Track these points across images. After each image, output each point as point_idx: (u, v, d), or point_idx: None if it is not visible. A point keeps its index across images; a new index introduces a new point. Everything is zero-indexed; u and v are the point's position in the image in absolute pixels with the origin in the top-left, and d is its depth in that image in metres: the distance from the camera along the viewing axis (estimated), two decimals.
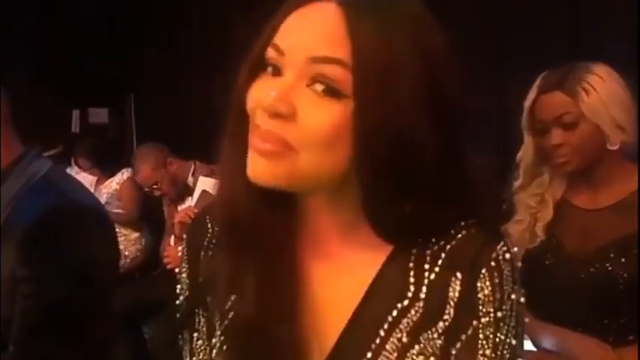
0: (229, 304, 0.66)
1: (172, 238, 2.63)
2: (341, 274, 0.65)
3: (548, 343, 1.35)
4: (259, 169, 0.58)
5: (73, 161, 3.35)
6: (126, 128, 5.00)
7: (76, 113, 4.95)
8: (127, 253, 3.15)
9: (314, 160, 0.58)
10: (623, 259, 1.30)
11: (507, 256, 0.61)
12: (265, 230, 0.63)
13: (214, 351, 0.68)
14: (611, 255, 1.31)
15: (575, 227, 1.39)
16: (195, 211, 2.48)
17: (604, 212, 1.36)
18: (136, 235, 3.18)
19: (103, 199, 3.21)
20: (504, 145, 2.68)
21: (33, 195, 1.14)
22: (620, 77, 1.34)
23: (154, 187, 2.72)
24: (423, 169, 0.58)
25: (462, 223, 0.63)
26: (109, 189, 3.16)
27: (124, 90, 4.91)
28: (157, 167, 2.70)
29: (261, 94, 0.59)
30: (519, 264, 0.63)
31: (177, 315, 0.74)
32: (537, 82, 1.38)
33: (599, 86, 1.30)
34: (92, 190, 3.24)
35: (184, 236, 0.75)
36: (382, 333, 0.62)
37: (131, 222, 3.18)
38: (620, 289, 1.30)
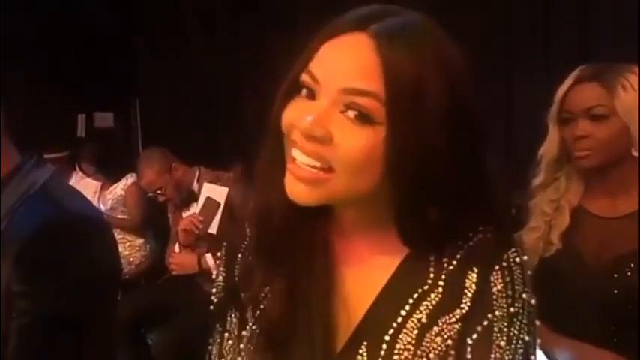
0: (262, 297, 0.71)
1: (177, 245, 2.61)
2: (369, 275, 0.70)
3: (562, 356, 1.30)
4: (298, 192, 0.64)
5: (77, 167, 3.33)
6: (131, 133, 5.00)
7: (81, 117, 4.95)
8: (132, 259, 3.12)
9: (350, 180, 0.63)
10: None
11: (518, 259, 0.67)
12: (300, 240, 0.70)
13: (243, 341, 0.73)
14: (632, 265, 1.27)
15: (592, 236, 1.35)
16: (200, 218, 2.45)
17: (623, 221, 1.32)
18: (140, 241, 3.16)
19: (107, 205, 3.19)
20: (512, 149, 2.65)
21: (31, 207, 1.11)
22: None
23: (158, 192, 2.67)
24: (446, 181, 0.63)
25: (480, 228, 0.69)
26: (113, 195, 3.14)
27: (129, 94, 4.91)
28: (162, 172, 2.65)
29: (296, 114, 0.64)
30: (529, 271, 0.67)
31: (210, 316, 0.78)
32: (574, 72, 1.34)
33: (638, 86, 1.26)
34: (96, 196, 3.22)
35: (224, 243, 0.80)
36: (404, 313, 0.67)
37: (136, 228, 3.15)
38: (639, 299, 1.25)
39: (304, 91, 0.65)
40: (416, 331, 0.67)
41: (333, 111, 0.62)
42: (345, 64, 0.62)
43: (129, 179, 3.14)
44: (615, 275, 1.28)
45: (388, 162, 0.62)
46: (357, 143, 0.61)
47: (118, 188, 3.14)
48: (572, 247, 1.35)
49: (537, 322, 0.68)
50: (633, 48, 2.41)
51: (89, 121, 4.94)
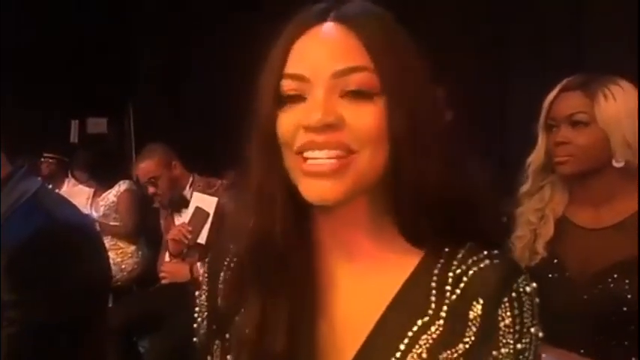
0: (238, 323, 0.69)
1: (167, 254, 2.61)
2: (367, 277, 0.68)
3: None
4: (324, 190, 0.62)
5: (70, 173, 3.33)
6: (125, 138, 5.00)
7: (74, 123, 4.95)
8: (123, 266, 3.12)
9: (370, 157, 0.62)
10: (627, 281, 1.27)
11: (528, 289, 0.64)
12: (300, 265, 0.67)
13: None
14: (615, 276, 1.29)
15: (576, 247, 1.36)
16: (189, 228, 2.45)
17: (606, 232, 1.34)
18: (132, 247, 3.16)
19: (100, 212, 3.19)
20: (505, 158, 2.68)
21: (21, 216, 1.11)
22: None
23: (152, 180, 2.62)
24: (435, 163, 0.63)
25: (486, 252, 0.66)
26: (106, 201, 3.14)
27: (123, 100, 4.92)
28: (160, 164, 2.64)
29: (295, 120, 0.63)
30: (537, 300, 0.64)
31: (195, 338, 0.76)
32: (562, 82, 1.38)
33: (620, 97, 1.30)
34: (89, 203, 3.22)
35: (206, 260, 0.79)
36: (402, 347, 0.64)
37: (128, 235, 3.15)
38: (623, 310, 1.27)
39: (288, 100, 0.64)
40: None
41: (333, 98, 0.62)
42: (327, 51, 0.63)
43: (121, 186, 3.14)
44: (600, 286, 1.30)
45: (390, 126, 0.62)
46: (367, 118, 0.62)
47: (111, 195, 3.14)
48: (556, 258, 1.37)
49: (543, 355, 0.66)
50: (626, 61, 2.45)
51: (82, 127, 4.94)
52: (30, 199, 1.15)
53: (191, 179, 2.71)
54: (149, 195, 2.70)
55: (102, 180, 3.15)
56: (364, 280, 0.68)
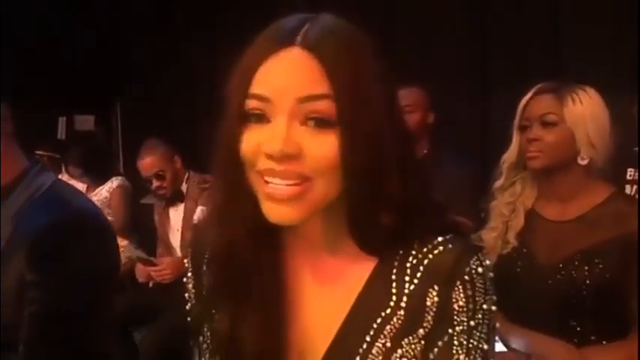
0: (216, 320, 0.74)
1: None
2: (331, 283, 0.73)
3: (517, 344, 1.45)
4: (283, 213, 0.66)
5: (63, 169, 3.39)
6: (112, 135, 5.03)
7: (62, 120, 4.97)
8: None
9: (325, 184, 0.65)
10: (586, 267, 1.41)
11: (480, 270, 0.68)
12: (265, 269, 0.71)
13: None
14: (576, 263, 1.42)
15: (544, 237, 1.50)
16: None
17: (570, 224, 1.47)
18: (124, 242, 3.23)
19: None
20: (486, 160, 2.82)
21: (40, 206, 1.22)
22: (604, 103, 1.47)
23: (160, 173, 2.69)
24: (393, 180, 0.67)
25: (440, 239, 0.69)
26: (99, 197, 3.20)
27: (110, 97, 4.95)
28: (165, 157, 2.71)
29: (256, 142, 0.65)
30: (491, 274, 0.69)
31: (189, 319, 0.82)
32: (535, 87, 1.52)
33: (586, 101, 1.44)
34: None
35: (189, 250, 0.83)
36: (368, 339, 0.69)
37: (121, 230, 3.22)
38: (583, 294, 1.41)
39: (253, 118, 0.66)
40: (381, 357, 0.68)
41: (294, 125, 0.64)
42: (293, 77, 0.64)
43: (114, 182, 3.21)
44: (563, 273, 1.43)
45: (342, 157, 0.64)
46: (325, 149, 0.64)
47: (104, 190, 3.21)
48: (525, 247, 1.51)
49: (497, 324, 0.71)
50: (604, 72, 2.61)
51: (69, 123, 4.97)
52: (46, 191, 1.25)
53: (187, 175, 2.79)
54: (153, 189, 2.77)
55: (95, 176, 3.22)
56: (329, 283, 0.73)
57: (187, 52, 4.30)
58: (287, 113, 0.64)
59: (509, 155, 1.55)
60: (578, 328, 1.42)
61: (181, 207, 2.77)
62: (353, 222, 0.68)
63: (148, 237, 3.02)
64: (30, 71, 4.14)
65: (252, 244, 0.70)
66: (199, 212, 2.66)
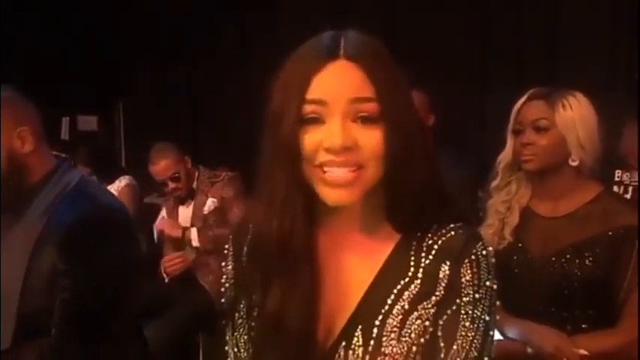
0: (257, 298, 0.85)
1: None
2: (362, 257, 0.85)
3: (512, 333, 1.55)
4: (339, 196, 0.79)
5: None
6: (115, 136, 5.10)
7: (65, 120, 5.03)
8: None
9: (374, 170, 0.79)
10: (577, 261, 1.50)
11: (484, 252, 0.81)
12: (308, 246, 0.83)
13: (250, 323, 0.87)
14: (568, 256, 1.52)
15: (537, 233, 1.59)
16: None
17: (561, 220, 1.57)
18: None
19: None
20: (485, 162, 2.90)
21: (69, 202, 1.31)
22: (592, 107, 1.56)
23: (175, 176, 2.77)
24: (421, 168, 0.81)
25: (452, 225, 0.83)
26: None
27: (113, 98, 5.01)
28: (178, 160, 2.80)
29: (317, 140, 0.78)
30: (493, 260, 0.82)
31: (222, 299, 0.92)
32: (527, 93, 1.61)
33: (575, 107, 1.54)
34: None
35: (230, 237, 0.94)
36: (389, 301, 0.82)
37: None
38: (575, 285, 1.50)
39: (309, 122, 0.78)
40: (400, 317, 0.80)
41: (348, 122, 0.78)
42: (344, 82, 0.78)
43: (122, 181, 3.28)
44: (555, 266, 1.53)
45: (386, 147, 0.77)
46: (374, 140, 0.78)
47: (112, 189, 3.28)
48: (520, 242, 1.60)
49: (497, 303, 0.82)
50: (597, 74, 2.71)
51: (73, 124, 5.03)
52: (74, 187, 1.35)
53: (197, 172, 2.88)
54: (169, 191, 2.84)
55: (103, 175, 3.29)
56: (358, 257, 0.85)
57: (189, 52, 4.37)
58: (341, 113, 0.78)
59: (505, 157, 1.65)
60: (570, 318, 1.51)
61: (192, 204, 2.85)
62: (390, 202, 0.82)
63: (151, 236, 3.10)
64: (33, 72, 4.18)
65: (306, 228, 0.82)
66: (210, 204, 2.76)
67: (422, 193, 0.81)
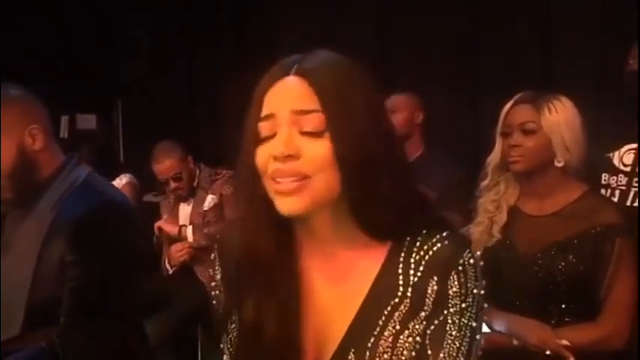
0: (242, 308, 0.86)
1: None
2: (343, 276, 0.85)
3: (499, 326, 1.62)
4: (291, 204, 0.79)
5: None
6: (113, 134, 5.13)
7: (64, 119, 5.05)
8: None
9: (323, 180, 0.79)
10: (562, 256, 1.57)
11: (471, 261, 0.81)
12: (280, 255, 0.84)
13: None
14: (553, 253, 1.59)
15: (524, 231, 1.67)
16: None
17: (547, 218, 1.64)
18: None
19: None
20: (477, 162, 2.96)
21: (77, 196, 1.37)
22: (577, 110, 1.64)
23: (177, 175, 2.82)
24: (385, 179, 0.80)
25: (437, 236, 0.82)
26: None
27: (112, 96, 5.04)
28: (181, 159, 2.85)
29: (267, 153, 0.80)
30: (481, 263, 0.83)
31: (215, 302, 0.94)
32: (515, 97, 1.69)
33: (561, 110, 1.61)
34: None
35: (215, 245, 0.96)
36: (381, 323, 0.82)
37: None
38: (559, 281, 1.57)
39: (264, 138, 0.80)
40: (391, 337, 0.81)
41: (294, 132, 0.79)
42: (289, 96, 0.80)
43: (123, 179, 3.31)
44: (540, 262, 1.60)
45: (334, 157, 0.78)
46: (320, 151, 0.78)
47: None
48: (509, 239, 1.67)
49: (485, 305, 0.82)
50: (588, 79, 2.77)
51: (71, 122, 5.06)
52: (82, 183, 1.41)
53: (198, 171, 2.93)
54: (171, 190, 2.90)
55: (105, 173, 3.32)
56: (341, 276, 0.85)
57: (188, 51, 4.40)
58: (287, 124, 0.79)
59: (494, 158, 1.72)
60: (555, 312, 1.58)
61: (191, 201, 2.91)
62: (356, 214, 0.82)
63: (149, 234, 3.15)
64: (32, 70, 4.20)
65: (272, 240, 0.83)
66: (209, 200, 2.82)
67: (391, 205, 0.81)
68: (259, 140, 0.81)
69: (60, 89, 4.39)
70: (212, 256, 0.94)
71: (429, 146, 2.68)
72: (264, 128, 0.81)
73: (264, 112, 0.81)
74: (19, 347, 1.32)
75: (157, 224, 2.98)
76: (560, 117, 1.60)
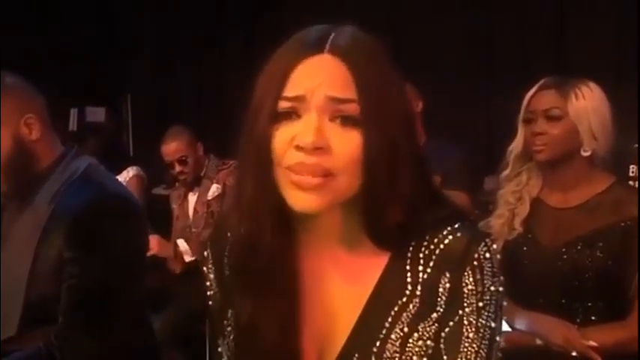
0: (238, 308, 0.78)
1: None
2: (350, 277, 0.77)
3: (521, 324, 1.54)
4: (307, 202, 0.70)
5: None
6: (123, 127, 5.11)
7: (73, 112, 5.04)
8: None
9: (347, 179, 0.70)
10: (588, 252, 1.49)
11: (487, 255, 0.73)
12: (282, 252, 0.75)
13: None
14: (579, 247, 1.50)
15: (548, 223, 1.58)
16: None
17: (572, 211, 1.55)
18: None
19: None
20: (491, 156, 2.89)
21: (76, 189, 1.31)
22: (605, 97, 1.54)
23: (182, 158, 2.78)
24: (405, 177, 0.72)
25: (449, 228, 0.74)
26: None
27: (121, 89, 5.02)
28: (189, 144, 2.81)
29: (289, 137, 0.70)
30: (498, 256, 0.75)
31: (210, 305, 0.87)
32: (539, 82, 1.59)
33: (588, 96, 1.52)
34: None
35: (208, 243, 0.88)
36: (387, 325, 0.74)
37: None
38: (585, 277, 1.49)
39: (284, 117, 0.70)
40: (399, 341, 0.73)
41: (324, 120, 0.69)
42: (323, 78, 0.70)
43: (130, 172, 3.27)
44: (565, 257, 1.51)
45: (365, 155, 0.69)
46: (350, 146, 0.69)
47: (120, 180, 3.29)
48: (531, 232, 1.58)
49: (504, 303, 0.75)
50: (604, 66, 2.68)
51: (81, 115, 5.04)
52: (82, 174, 1.35)
53: (207, 161, 2.88)
54: (173, 174, 2.85)
55: (111, 166, 3.29)
56: (346, 278, 0.77)
57: (196, 43, 4.36)
58: (318, 109, 0.70)
59: (515, 146, 1.63)
60: (580, 310, 1.50)
61: (196, 191, 2.86)
62: (368, 218, 0.73)
63: (157, 227, 3.11)
64: (42, 63, 4.19)
65: (276, 236, 0.74)
66: (214, 190, 2.76)
67: (408, 205, 0.73)
68: (277, 119, 0.71)
69: (69, 82, 4.39)
70: (205, 253, 0.86)
71: (430, 135, 2.61)
72: (287, 108, 0.70)
73: (292, 91, 0.70)
74: (17, 347, 1.26)
75: (151, 248, 2.89)
76: (587, 103, 1.50)
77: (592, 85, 1.54)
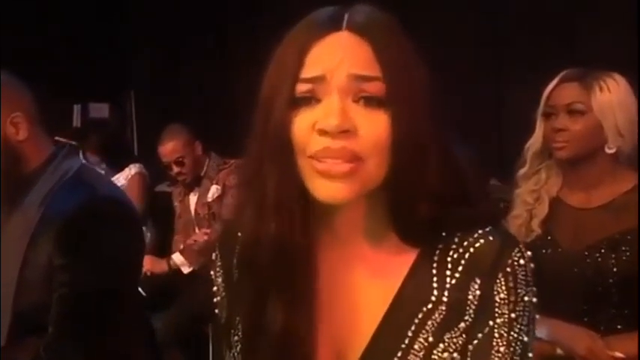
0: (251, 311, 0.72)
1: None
2: (372, 276, 0.72)
3: (541, 332, 1.45)
4: (334, 191, 0.65)
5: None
6: (126, 123, 5.07)
7: (77, 108, 5.01)
8: None
9: (376, 164, 0.65)
10: (613, 255, 1.40)
11: (522, 261, 0.68)
12: (303, 250, 0.69)
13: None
14: (602, 251, 1.41)
15: (568, 224, 1.49)
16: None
17: (595, 211, 1.46)
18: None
19: None
20: (502, 155, 2.80)
21: (67, 191, 1.23)
22: (632, 91, 1.44)
23: (179, 159, 2.73)
24: (433, 167, 0.67)
25: (480, 231, 0.69)
26: (117, 184, 3.23)
27: (125, 85, 4.98)
28: (187, 144, 2.75)
29: (311, 122, 0.65)
30: (532, 265, 0.69)
31: (216, 310, 0.81)
32: (560, 74, 1.49)
33: (614, 89, 1.42)
34: None
35: (216, 244, 0.82)
36: (410, 334, 0.68)
37: None
38: (609, 282, 1.40)
39: (302, 102, 0.66)
40: (423, 352, 0.68)
41: (348, 101, 0.65)
42: (344, 56, 0.65)
43: (132, 169, 3.22)
44: (588, 261, 1.42)
45: (393, 137, 0.65)
46: (378, 127, 0.64)
47: (121, 177, 3.22)
48: (550, 234, 1.49)
49: (537, 316, 0.70)
50: (618, 59, 2.58)
51: (84, 111, 5.01)
52: (74, 175, 1.27)
53: (207, 159, 2.81)
54: (173, 175, 2.80)
55: (113, 163, 3.24)
56: (369, 278, 0.71)
57: (199, 40, 4.31)
58: (340, 90, 0.65)
59: (534, 142, 1.53)
60: (604, 318, 1.41)
61: (196, 191, 2.80)
62: (395, 208, 0.68)
63: (161, 225, 3.06)
64: (45, 59, 4.16)
65: (305, 232, 0.68)
66: (214, 190, 2.69)
67: (437, 197, 0.67)
68: (297, 104, 0.65)
69: (73, 78, 4.35)
70: (213, 255, 0.81)
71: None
72: (306, 92, 0.65)
73: (311, 72, 0.65)
74: (7, 358, 1.18)
75: (145, 265, 2.83)
76: (613, 97, 1.41)
77: (617, 77, 1.44)
